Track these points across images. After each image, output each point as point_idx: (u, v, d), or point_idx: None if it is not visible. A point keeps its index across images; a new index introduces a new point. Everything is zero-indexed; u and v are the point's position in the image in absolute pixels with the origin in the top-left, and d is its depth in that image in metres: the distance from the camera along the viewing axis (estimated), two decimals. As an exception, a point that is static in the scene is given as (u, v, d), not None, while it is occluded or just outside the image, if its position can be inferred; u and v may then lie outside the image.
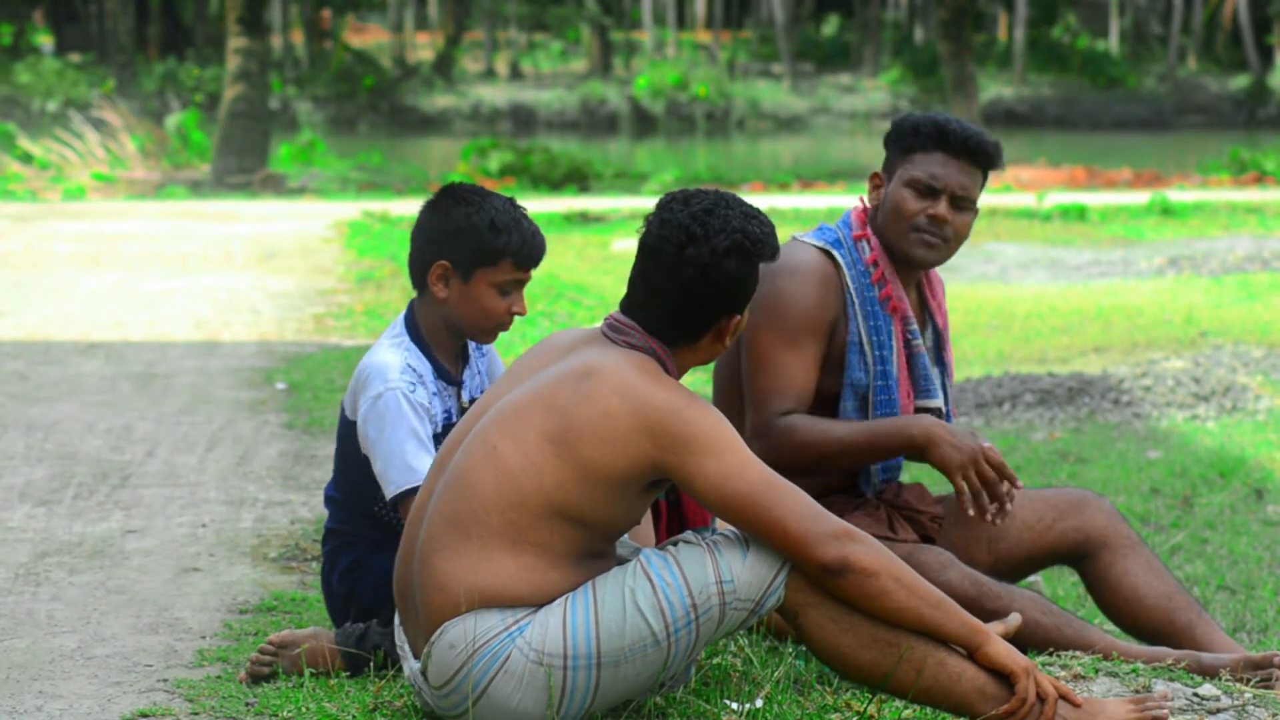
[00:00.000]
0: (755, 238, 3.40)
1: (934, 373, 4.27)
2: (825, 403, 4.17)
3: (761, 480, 3.30)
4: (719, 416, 3.33)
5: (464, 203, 4.06)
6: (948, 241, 4.15)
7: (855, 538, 3.29)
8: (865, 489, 4.22)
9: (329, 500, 4.22)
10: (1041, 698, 3.36)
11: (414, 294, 4.16)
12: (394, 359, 4.03)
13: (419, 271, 4.10)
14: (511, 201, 4.08)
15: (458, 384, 4.13)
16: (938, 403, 4.24)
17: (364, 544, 4.13)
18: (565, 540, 3.33)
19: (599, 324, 3.54)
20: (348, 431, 4.12)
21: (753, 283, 3.44)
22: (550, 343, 3.53)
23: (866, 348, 4.14)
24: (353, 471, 4.12)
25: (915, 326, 4.21)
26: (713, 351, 3.48)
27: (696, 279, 3.38)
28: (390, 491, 3.93)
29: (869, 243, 4.18)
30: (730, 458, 3.29)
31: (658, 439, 3.29)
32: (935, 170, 4.13)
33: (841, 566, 3.28)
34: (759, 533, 3.31)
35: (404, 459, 3.93)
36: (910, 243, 4.14)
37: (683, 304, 3.40)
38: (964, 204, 4.15)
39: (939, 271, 4.36)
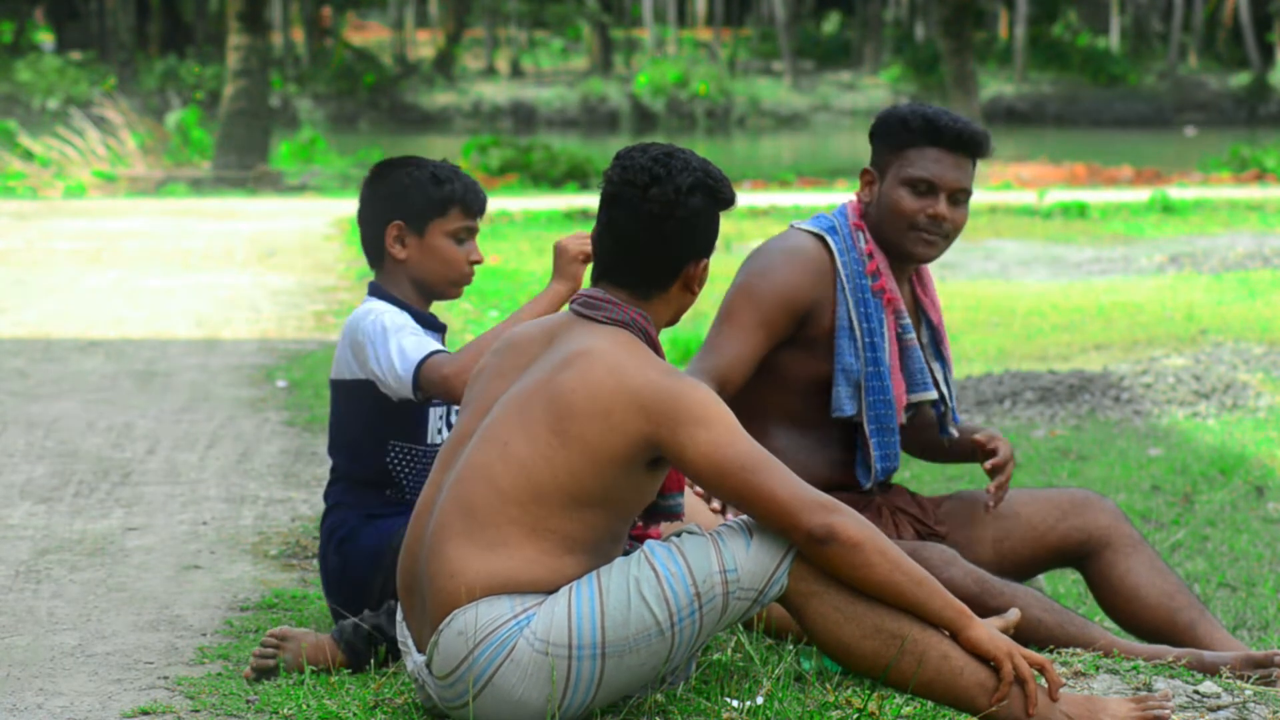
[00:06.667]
0: (716, 176, 3.48)
1: (934, 367, 4.29)
2: (817, 389, 4.18)
3: (752, 450, 3.33)
4: (709, 391, 3.37)
5: (400, 166, 4.23)
6: (947, 237, 4.18)
7: (840, 510, 3.33)
8: (864, 480, 4.22)
9: (329, 482, 4.27)
10: (1021, 680, 3.36)
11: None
12: (377, 306, 4.16)
13: (374, 241, 4.23)
14: (445, 160, 4.25)
15: (441, 328, 4.23)
16: (931, 395, 4.26)
17: (359, 513, 4.17)
18: (585, 526, 3.36)
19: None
20: (339, 392, 4.20)
21: (715, 224, 3.50)
22: (525, 334, 3.54)
23: (857, 333, 4.16)
24: (351, 428, 4.18)
25: (908, 321, 4.23)
26: (683, 302, 3.52)
27: (663, 217, 3.43)
28: (409, 368, 3.97)
29: (865, 234, 4.20)
30: (720, 428, 3.33)
31: (651, 415, 3.32)
32: (931, 168, 4.14)
33: (827, 535, 3.30)
34: (747, 501, 3.33)
35: (409, 344, 4.00)
36: (910, 241, 4.16)
37: (651, 249, 3.44)
38: (960, 198, 4.17)
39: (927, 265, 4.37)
